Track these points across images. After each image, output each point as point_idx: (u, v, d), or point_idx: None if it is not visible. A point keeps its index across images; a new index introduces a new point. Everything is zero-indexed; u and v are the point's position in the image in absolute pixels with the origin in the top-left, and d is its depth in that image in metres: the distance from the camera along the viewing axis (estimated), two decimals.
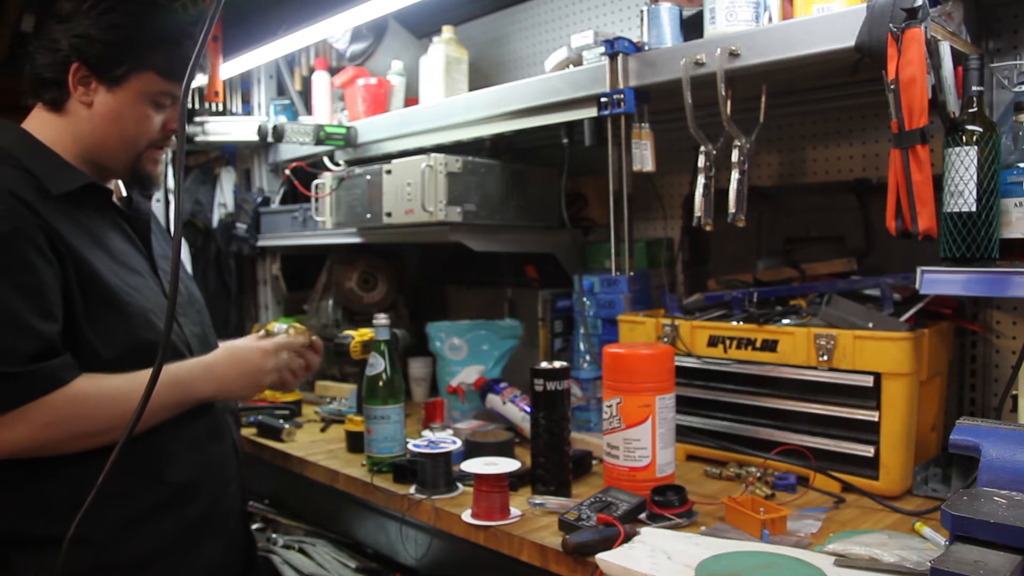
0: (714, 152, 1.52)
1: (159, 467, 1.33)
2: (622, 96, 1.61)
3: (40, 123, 1.36)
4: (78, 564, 1.23)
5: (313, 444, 1.98)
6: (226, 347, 1.46)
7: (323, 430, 2.13)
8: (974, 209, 1.28)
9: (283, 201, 2.78)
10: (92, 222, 1.34)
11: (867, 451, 1.46)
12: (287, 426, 2.02)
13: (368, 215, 2.15)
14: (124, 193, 1.49)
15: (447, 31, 2.24)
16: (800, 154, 1.96)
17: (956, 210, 1.30)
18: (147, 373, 1.24)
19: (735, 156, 1.49)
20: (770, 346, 1.57)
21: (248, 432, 2.04)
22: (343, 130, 2.31)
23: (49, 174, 1.30)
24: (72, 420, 1.22)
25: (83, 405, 1.22)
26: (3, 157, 1.28)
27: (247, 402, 2.26)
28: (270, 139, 2.28)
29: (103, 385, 1.24)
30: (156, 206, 2.61)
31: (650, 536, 1.21)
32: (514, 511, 1.40)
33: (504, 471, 1.39)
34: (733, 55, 1.44)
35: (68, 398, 1.21)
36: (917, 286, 1.32)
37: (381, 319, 1.76)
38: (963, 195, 1.29)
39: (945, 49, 1.33)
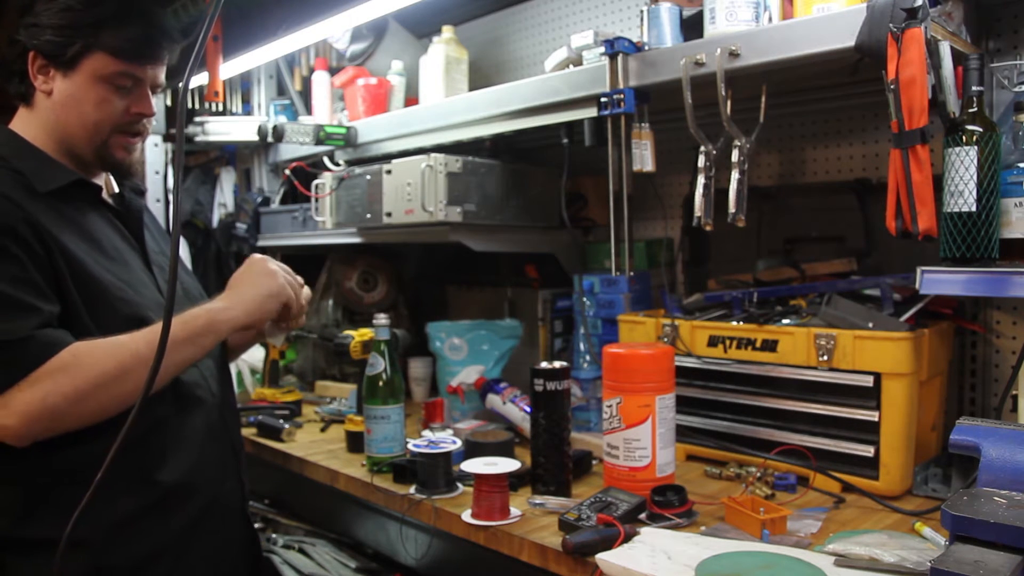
0: (714, 152, 1.52)
1: (151, 467, 1.32)
2: (622, 96, 1.61)
3: (21, 121, 1.38)
4: (74, 568, 1.23)
5: (313, 444, 1.98)
6: (244, 265, 1.46)
7: (323, 430, 2.13)
8: (974, 209, 1.28)
9: (283, 201, 2.78)
10: (83, 218, 1.34)
11: (867, 451, 1.46)
12: (287, 426, 2.02)
13: (368, 215, 2.15)
14: (116, 189, 1.49)
15: (447, 31, 2.24)
16: (800, 154, 1.96)
17: (956, 210, 1.30)
18: (145, 330, 1.23)
19: (735, 156, 1.49)
20: (770, 346, 1.57)
21: (248, 432, 2.04)
22: (343, 130, 2.31)
23: (36, 172, 1.30)
24: (71, 376, 1.17)
25: (80, 360, 1.18)
26: None
27: (246, 403, 2.27)
28: (270, 139, 2.28)
29: (99, 340, 1.22)
30: (156, 206, 2.61)
31: (650, 536, 1.21)
32: (514, 511, 1.40)
33: (504, 471, 1.39)
34: (733, 55, 1.44)
35: (61, 357, 1.18)
36: (917, 286, 1.32)
37: (381, 319, 1.76)
38: (963, 195, 1.29)
39: (945, 49, 1.33)
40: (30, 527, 1.23)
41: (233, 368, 2.06)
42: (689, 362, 1.69)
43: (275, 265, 1.47)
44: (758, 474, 1.52)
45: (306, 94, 2.78)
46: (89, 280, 1.27)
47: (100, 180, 1.44)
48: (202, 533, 1.39)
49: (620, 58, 1.62)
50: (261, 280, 1.43)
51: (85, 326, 1.25)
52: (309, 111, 2.71)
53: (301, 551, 1.90)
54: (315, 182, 2.33)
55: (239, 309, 1.37)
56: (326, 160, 2.42)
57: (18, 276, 1.19)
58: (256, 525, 2.04)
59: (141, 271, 1.39)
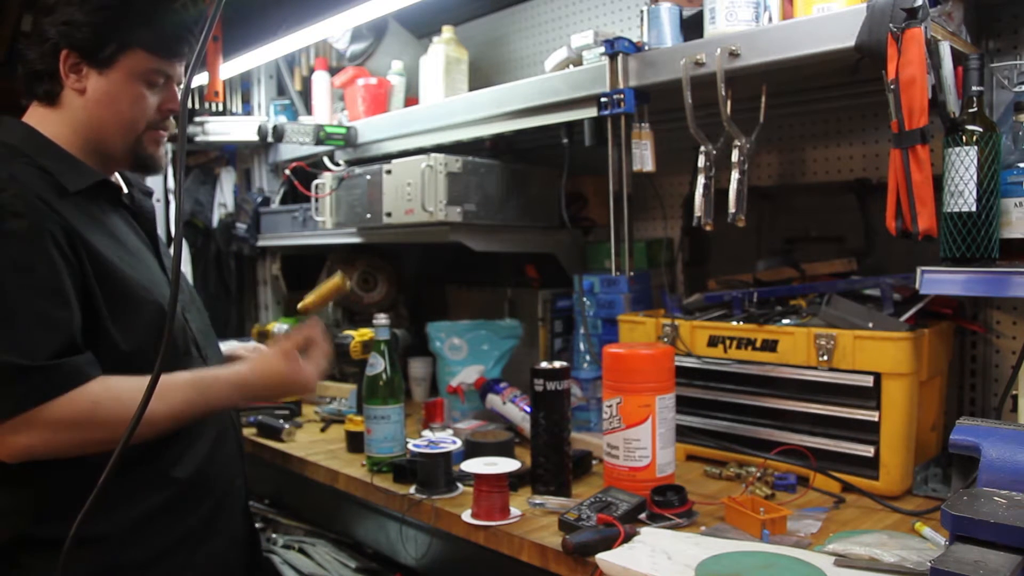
0: (714, 152, 1.52)
1: (168, 465, 1.33)
2: (622, 96, 1.61)
3: (38, 120, 1.36)
4: (92, 564, 1.23)
5: (313, 444, 1.98)
6: (266, 369, 1.42)
7: (323, 430, 2.13)
8: (974, 209, 1.28)
9: (283, 201, 2.78)
10: (107, 218, 1.35)
11: (867, 451, 1.46)
12: (287, 426, 2.02)
13: (368, 215, 2.15)
14: (125, 190, 1.49)
15: (447, 31, 2.24)
16: (800, 154, 1.96)
17: (956, 210, 1.30)
18: (170, 381, 1.25)
19: (735, 156, 1.49)
20: (770, 346, 1.57)
21: (248, 432, 2.04)
22: (343, 130, 2.31)
23: (63, 171, 1.30)
24: (91, 427, 1.20)
25: (103, 413, 1.20)
26: (15, 154, 1.28)
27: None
28: (270, 139, 2.29)
29: (125, 392, 1.22)
30: (156, 206, 2.61)
31: (650, 536, 1.21)
32: (514, 511, 1.40)
33: (504, 471, 1.39)
34: (733, 55, 1.44)
35: (88, 404, 1.20)
36: (917, 286, 1.32)
37: (381, 319, 1.76)
38: (963, 195, 1.29)
39: (945, 49, 1.33)
40: (45, 526, 1.23)
41: None
42: (689, 362, 1.69)
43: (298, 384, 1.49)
44: (758, 474, 1.52)
45: (306, 94, 2.78)
46: (117, 280, 1.27)
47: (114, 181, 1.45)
48: (212, 530, 1.40)
49: (620, 58, 1.62)
50: (277, 393, 1.48)
51: (106, 331, 1.25)
52: (309, 111, 2.71)
53: (301, 551, 1.90)
54: (315, 182, 2.33)
55: (239, 398, 1.41)
56: (326, 160, 2.42)
57: (47, 286, 1.19)
58: (256, 525, 2.05)
59: (158, 271, 1.41)
